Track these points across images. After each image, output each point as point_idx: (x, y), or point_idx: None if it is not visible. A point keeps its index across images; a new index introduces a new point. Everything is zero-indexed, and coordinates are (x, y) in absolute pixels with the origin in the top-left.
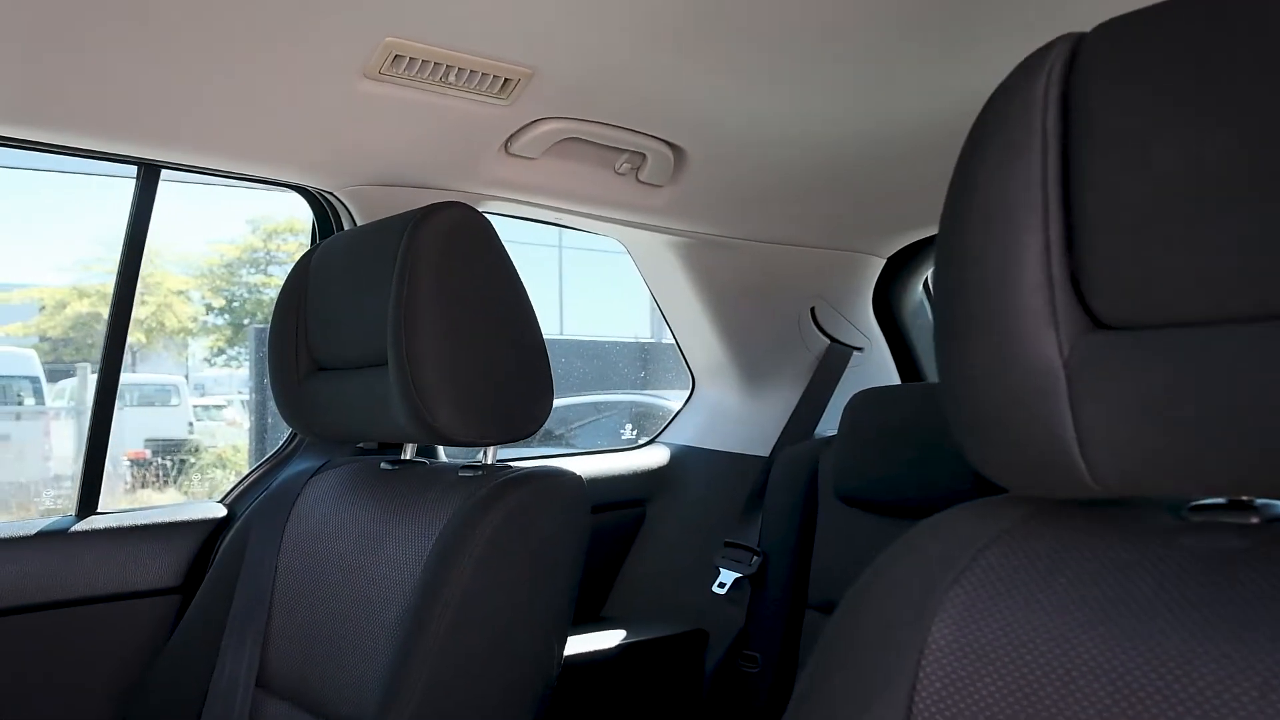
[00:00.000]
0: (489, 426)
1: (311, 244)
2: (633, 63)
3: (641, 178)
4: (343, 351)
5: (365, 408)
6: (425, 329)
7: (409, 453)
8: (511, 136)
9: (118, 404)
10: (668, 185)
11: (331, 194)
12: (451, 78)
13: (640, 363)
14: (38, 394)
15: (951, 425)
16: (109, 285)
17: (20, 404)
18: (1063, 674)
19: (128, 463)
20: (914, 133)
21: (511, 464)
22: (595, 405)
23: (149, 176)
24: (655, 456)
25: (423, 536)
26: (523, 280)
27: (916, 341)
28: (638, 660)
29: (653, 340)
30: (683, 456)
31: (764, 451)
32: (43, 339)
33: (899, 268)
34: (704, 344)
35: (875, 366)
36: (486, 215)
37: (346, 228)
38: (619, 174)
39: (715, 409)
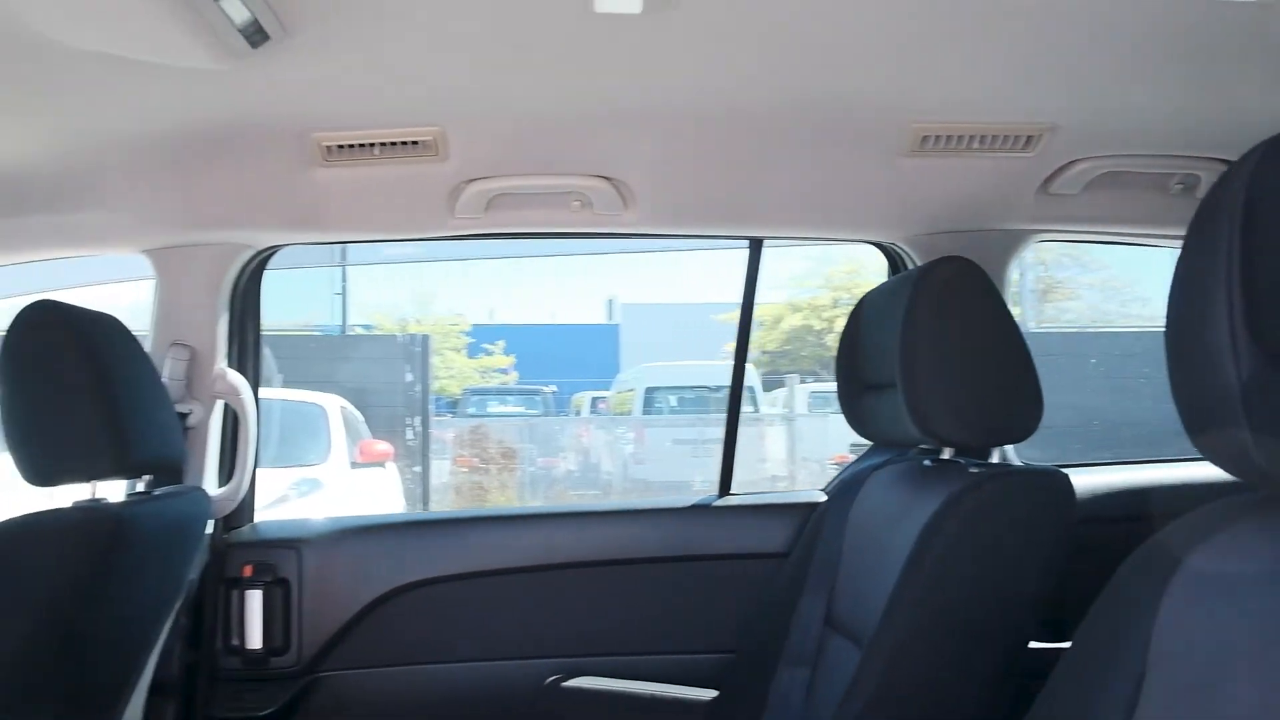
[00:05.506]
0: (983, 433)
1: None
2: (1162, 92)
3: (1199, 195)
4: (877, 375)
5: (891, 419)
6: (922, 363)
7: (947, 453)
8: (1047, 179)
9: (825, 409)
10: None
11: (894, 245)
12: (975, 144)
13: None
14: (753, 402)
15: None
16: (819, 298)
17: None
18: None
19: (832, 466)
20: None
21: (1012, 465)
22: None
23: (755, 248)
24: None
25: (923, 515)
26: (1014, 316)
27: None
28: None
29: None
30: None
31: None
32: (762, 352)
33: None
34: None
35: None
36: (1036, 242)
37: (908, 268)
38: (1173, 195)
39: None
